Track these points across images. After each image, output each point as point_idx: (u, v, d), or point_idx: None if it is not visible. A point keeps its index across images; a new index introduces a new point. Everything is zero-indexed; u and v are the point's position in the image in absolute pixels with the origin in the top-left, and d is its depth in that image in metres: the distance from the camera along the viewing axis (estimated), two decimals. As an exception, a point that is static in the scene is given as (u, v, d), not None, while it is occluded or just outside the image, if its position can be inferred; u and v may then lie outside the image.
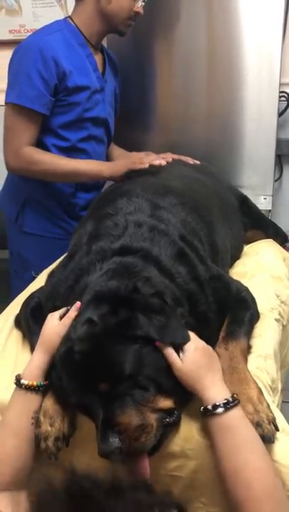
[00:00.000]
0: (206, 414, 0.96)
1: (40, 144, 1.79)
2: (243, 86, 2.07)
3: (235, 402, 0.96)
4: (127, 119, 2.16)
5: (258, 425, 0.98)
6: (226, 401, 0.95)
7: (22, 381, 1.05)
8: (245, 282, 1.40)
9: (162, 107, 2.20)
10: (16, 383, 1.07)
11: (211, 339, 1.15)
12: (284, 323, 1.46)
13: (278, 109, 2.10)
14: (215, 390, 0.97)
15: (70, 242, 1.48)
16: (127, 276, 1.08)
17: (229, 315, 1.23)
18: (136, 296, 1.04)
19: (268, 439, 0.97)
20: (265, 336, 1.28)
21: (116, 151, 2.13)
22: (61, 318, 1.10)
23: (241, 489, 0.89)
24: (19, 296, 1.52)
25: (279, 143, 2.19)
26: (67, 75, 1.72)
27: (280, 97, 2.10)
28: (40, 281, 1.53)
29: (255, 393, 1.04)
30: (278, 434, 0.99)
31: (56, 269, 1.36)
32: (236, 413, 0.95)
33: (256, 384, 1.07)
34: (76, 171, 1.77)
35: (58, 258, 1.64)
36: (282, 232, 2.00)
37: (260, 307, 1.34)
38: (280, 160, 2.35)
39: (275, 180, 2.31)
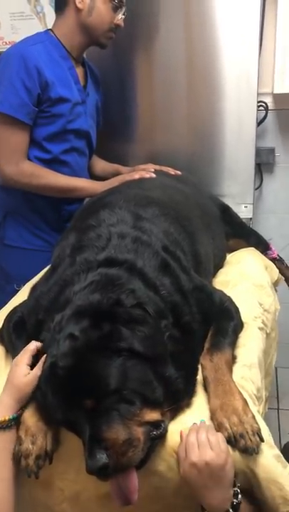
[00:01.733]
0: None
1: None
2: (222, 97, 2.09)
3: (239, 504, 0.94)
4: (109, 131, 2.16)
5: (241, 436, 0.98)
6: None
7: None
8: (227, 291, 1.41)
9: (143, 118, 2.21)
10: None
11: (195, 350, 1.15)
12: (267, 331, 1.47)
13: (257, 119, 2.13)
14: (214, 501, 0.94)
15: (52, 254, 1.47)
16: (111, 288, 1.08)
17: (213, 326, 1.24)
18: (118, 310, 1.03)
19: (251, 451, 0.97)
20: (249, 345, 1.29)
21: (99, 163, 2.13)
22: (29, 364, 1.08)
23: None
24: (2, 310, 1.50)
25: (258, 152, 2.22)
26: (49, 85, 1.72)
27: (258, 106, 2.12)
28: (22, 294, 1.51)
29: (240, 404, 1.04)
30: (263, 446, 1.00)
31: (39, 282, 1.35)
32: None
33: (241, 395, 1.07)
34: (74, 187, 1.83)
35: (41, 270, 1.63)
36: (263, 240, 2.02)
37: (244, 316, 1.35)
38: (259, 168, 2.38)
39: (256, 189, 2.33)
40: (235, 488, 0.95)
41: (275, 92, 2.18)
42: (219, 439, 0.96)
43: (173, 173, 1.93)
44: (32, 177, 1.76)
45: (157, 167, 1.93)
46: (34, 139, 1.78)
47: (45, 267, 1.59)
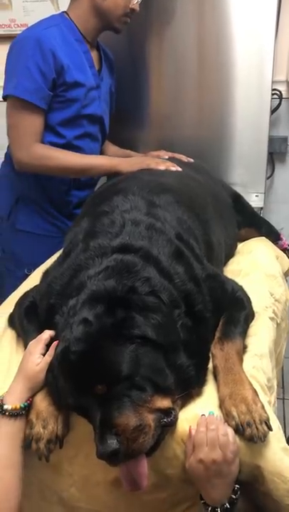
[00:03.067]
0: None
1: None
2: (235, 84, 2.06)
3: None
4: (120, 116, 2.13)
5: (248, 425, 0.98)
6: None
7: (5, 406, 1.02)
8: (239, 280, 1.41)
9: (155, 105, 2.18)
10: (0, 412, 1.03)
11: (207, 339, 1.15)
12: (278, 322, 1.46)
13: (271, 107, 2.10)
14: (216, 496, 0.95)
15: (64, 240, 1.46)
16: (126, 275, 1.07)
17: (224, 315, 1.23)
18: (132, 297, 1.03)
19: (257, 439, 0.97)
20: (260, 335, 1.28)
21: (110, 147, 2.11)
22: (43, 353, 1.08)
23: None
24: (12, 294, 1.50)
25: (271, 141, 2.19)
26: (65, 69, 1.70)
27: (272, 94, 2.09)
28: (33, 279, 1.51)
29: (250, 394, 1.04)
30: (270, 438, 0.99)
31: (51, 267, 1.35)
32: None
33: (251, 385, 1.07)
34: (90, 165, 1.79)
35: (51, 256, 1.63)
36: (274, 230, 2.01)
37: (255, 306, 1.34)
38: (271, 158, 2.35)
39: (267, 178, 2.31)
40: (236, 485, 0.96)
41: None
42: (230, 437, 0.96)
43: (185, 159, 1.91)
44: (43, 159, 1.74)
45: (170, 154, 1.91)
46: (48, 124, 1.77)
47: (56, 252, 1.59)
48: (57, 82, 1.70)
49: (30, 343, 1.12)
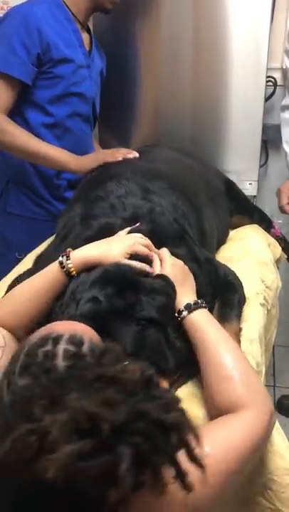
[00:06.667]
0: (179, 319, 1.04)
1: (23, 119, 1.75)
2: (230, 70, 2.05)
3: (199, 305, 1.05)
4: (111, 102, 2.12)
5: None
6: (189, 304, 1.04)
7: (68, 262, 1.07)
8: (231, 267, 1.41)
9: (147, 91, 2.16)
10: (61, 256, 1.08)
11: None
12: (268, 308, 1.47)
13: (265, 94, 2.10)
14: (184, 298, 1.06)
15: (57, 224, 1.46)
16: (135, 257, 1.09)
17: (219, 298, 1.25)
18: (142, 279, 1.04)
19: None
20: (250, 321, 1.30)
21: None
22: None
23: (215, 374, 0.94)
24: (4, 278, 1.50)
25: (265, 128, 2.19)
26: (51, 46, 1.68)
27: (267, 81, 2.09)
28: (25, 264, 1.51)
29: None
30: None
31: (46, 251, 1.35)
32: (202, 315, 1.04)
33: (250, 365, 1.08)
34: (43, 153, 1.71)
35: (42, 239, 1.62)
36: (267, 217, 2.01)
37: (246, 291, 1.35)
38: (265, 145, 2.35)
39: (261, 166, 2.31)
40: (201, 300, 1.06)
41: (285, 66, 2.14)
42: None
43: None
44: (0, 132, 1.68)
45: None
46: (37, 103, 1.76)
47: (47, 236, 1.59)
48: (43, 59, 1.69)
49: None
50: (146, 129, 2.15)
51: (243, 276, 1.39)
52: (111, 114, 2.16)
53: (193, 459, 0.62)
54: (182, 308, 1.05)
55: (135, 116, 2.21)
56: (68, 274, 1.08)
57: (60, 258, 1.09)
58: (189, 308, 1.04)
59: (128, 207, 1.24)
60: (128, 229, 1.17)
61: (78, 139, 1.87)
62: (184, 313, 1.04)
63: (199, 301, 1.06)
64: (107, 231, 1.18)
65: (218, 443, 0.80)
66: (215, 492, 0.75)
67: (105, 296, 1.00)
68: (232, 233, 1.85)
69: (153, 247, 1.13)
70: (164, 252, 1.13)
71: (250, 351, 1.20)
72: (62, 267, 1.08)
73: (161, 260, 1.10)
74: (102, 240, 1.13)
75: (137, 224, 1.20)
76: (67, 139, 1.82)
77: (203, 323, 1.03)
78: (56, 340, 0.74)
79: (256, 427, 0.85)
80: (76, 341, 0.76)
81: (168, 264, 1.09)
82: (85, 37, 1.87)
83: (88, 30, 1.91)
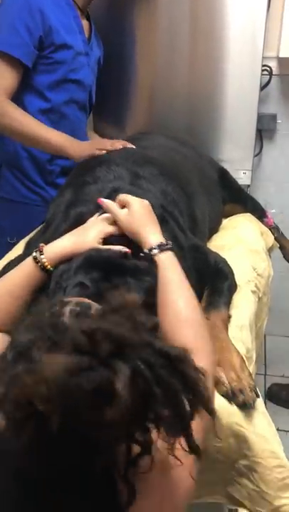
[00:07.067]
0: (147, 255, 1.06)
1: (20, 103, 1.73)
2: (225, 59, 2.04)
3: (169, 246, 1.06)
4: (107, 90, 2.11)
5: (241, 392, 1.00)
6: (160, 243, 1.05)
7: (42, 257, 1.08)
8: (223, 255, 1.41)
9: (143, 79, 2.15)
10: (35, 251, 1.10)
11: None
12: (260, 295, 1.48)
13: (260, 83, 2.09)
14: (153, 237, 1.07)
15: (48, 210, 1.46)
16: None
17: (208, 285, 1.25)
18: (126, 262, 1.05)
19: (249, 406, 0.99)
20: (241, 307, 1.30)
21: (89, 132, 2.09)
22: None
23: (168, 316, 0.96)
24: (-4, 263, 1.50)
25: (260, 117, 2.18)
26: (53, 30, 1.67)
27: (262, 70, 2.08)
28: (18, 249, 1.51)
29: (238, 361, 1.06)
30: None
31: (33, 237, 1.35)
32: (169, 257, 1.05)
33: (238, 352, 1.09)
34: (42, 136, 1.68)
35: (34, 224, 1.62)
36: (260, 206, 2.02)
37: (237, 279, 1.36)
38: (260, 135, 2.34)
39: (255, 155, 2.31)
40: (170, 242, 1.07)
41: (281, 55, 2.13)
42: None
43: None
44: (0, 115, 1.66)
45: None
46: (36, 88, 1.75)
47: (38, 221, 1.59)
48: (44, 42, 1.68)
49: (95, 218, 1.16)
50: (142, 117, 2.14)
51: (234, 264, 1.39)
52: (106, 102, 2.15)
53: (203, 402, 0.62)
54: (154, 246, 1.05)
55: (131, 104, 2.19)
56: (43, 268, 1.09)
57: (34, 253, 1.10)
58: (160, 247, 1.05)
59: (111, 193, 1.22)
60: (97, 214, 1.17)
61: (73, 125, 1.86)
62: (155, 251, 1.05)
63: (169, 242, 1.07)
64: (80, 220, 1.18)
65: None
66: None
67: (92, 281, 1.00)
68: (225, 222, 1.85)
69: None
70: (126, 196, 1.13)
71: (240, 337, 1.20)
72: (37, 262, 1.09)
73: (126, 204, 1.11)
74: (73, 231, 1.14)
75: None
76: (62, 124, 1.81)
77: (169, 264, 1.04)
78: (63, 303, 0.74)
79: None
80: (84, 305, 0.77)
81: (135, 206, 1.10)
82: (84, 24, 1.86)
83: (88, 17, 1.90)
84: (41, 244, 1.12)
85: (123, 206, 1.12)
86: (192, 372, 0.63)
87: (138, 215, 1.09)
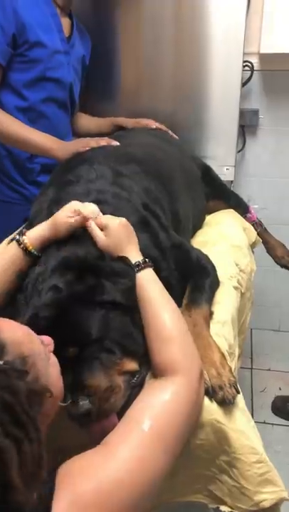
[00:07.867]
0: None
1: None
2: (208, 55, 2.04)
3: (147, 264, 1.08)
4: (90, 86, 2.11)
5: (220, 388, 1.01)
6: (137, 263, 1.07)
7: (24, 238, 1.11)
8: (205, 251, 1.42)
9: (127, 74, 2.15)
10: (17, 234, 1.13)
11: None
12: (242, 291, 1.49)
13: (242, 79, 2.10)
14: (131, 256, 1.08)
15: (31, 209, 1.45)
16: (92, 243, 1.09)
17: (190, 282, 1.26)
18: (101, 263, 1.05)
19: (228, 401, 1.01)
20: (223, 303, 1.31)
21: (82, 119, 2.09)
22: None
23: (151, 334, 1.01)
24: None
25: (242, 113, 2.20)
26: (27, 28, 1.66)
27: (243, 66, 2.09)
28: (0, 247, 1.51)
29: (218, 358, 1.07)
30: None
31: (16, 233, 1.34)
32: (148, 274, 1.07)
33: (219, 349, 1.10)
34: (27, 138, 1.68)
35: (15, 223, 1.61)
36: (243, 202, 2.03)
37: (220, 275, 1.37)
38: (243, 131, 2.36)
39: (238, 151, 2.32)
40: (148, 259, 1.09)
41: (262, 51, 2.15)
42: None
43: (154, 126, 1.93)
44: None
45: (158, 124, 1.91)
46: (12, 86, 1.74)
47: (19, 219, 1.58)
48: (18, 39, 1.67)
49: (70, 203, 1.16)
50: (126, 113, 2.13)
51: (217, 260, 1.40)
52: (91, 98, 2.14)
53: None
54: (132, 266, 1.07)
55: (115, 100, 2.19)
56: (25, 250, 1.11)
57: (17, 236, 1.13)
58: (138, 266, 1.07)
59: (92, 192, 1.23)
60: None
61: (53, 124, 1.85)
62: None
63: (146, 259, 1.09)
64: None
65: (154, 411, 0.88)
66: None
67: (65, 283, 1.00)
68: (208, 218, 1.86)
69: (100, 214, 1.14)
70: (103, 219, 1.13)
71: (223, 333, 1.22)
72: (20, 244, 1.12)
73: (104, 227, 1.11)
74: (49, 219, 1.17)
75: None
76: (41, 123, 1.80)
77: (147, 282, 1.06)
78: None
79: (185, 394, 0.93)
80: None
81: (114, 227, 1.10)
82: (65, 22, 1.84)
83: (70, 16, 1.89)
84: (24, 230, 1.15)
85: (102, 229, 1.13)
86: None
87: (115, 238, 1.09)
